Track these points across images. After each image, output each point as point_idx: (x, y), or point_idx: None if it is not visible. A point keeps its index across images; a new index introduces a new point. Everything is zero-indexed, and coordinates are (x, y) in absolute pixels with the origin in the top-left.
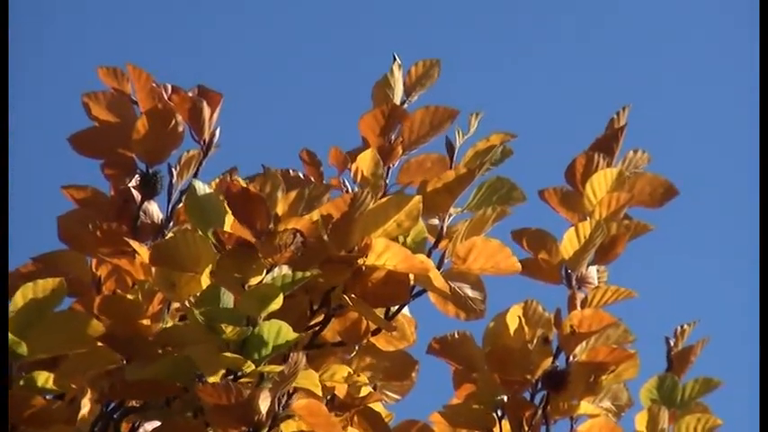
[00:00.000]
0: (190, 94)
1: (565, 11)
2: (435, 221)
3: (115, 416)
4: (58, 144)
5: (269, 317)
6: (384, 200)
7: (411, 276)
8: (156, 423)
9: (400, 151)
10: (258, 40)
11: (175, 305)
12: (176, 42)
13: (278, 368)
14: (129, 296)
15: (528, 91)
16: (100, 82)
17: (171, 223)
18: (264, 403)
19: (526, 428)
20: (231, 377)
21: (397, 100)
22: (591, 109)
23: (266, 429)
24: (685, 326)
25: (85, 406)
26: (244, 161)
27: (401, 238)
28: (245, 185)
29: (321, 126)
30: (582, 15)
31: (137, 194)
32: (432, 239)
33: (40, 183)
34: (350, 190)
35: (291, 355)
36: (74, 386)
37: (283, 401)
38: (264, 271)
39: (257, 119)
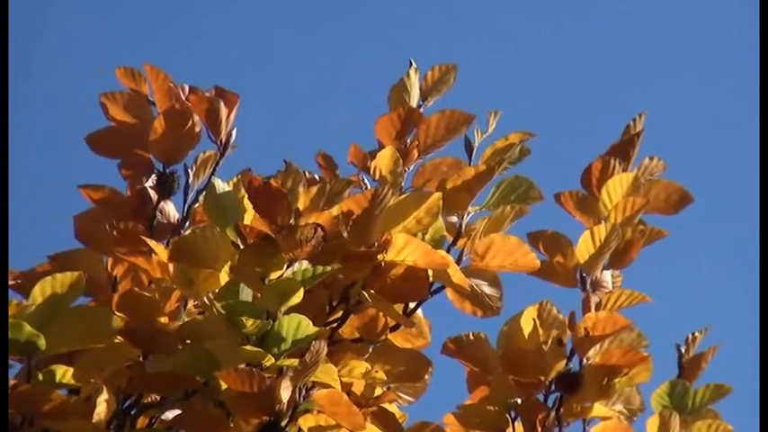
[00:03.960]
0: (207, 95)
1: (584, 12)
2: (454, 219)
3: (132, 413)
4: (75, 144)
5: (289, 311)
6: (404, 196)
7: (430, 273)
8: (177, 411)
9: (416, 155)
10: (277, 40)
11: (192, 303)
12: (194, 43)
13: (297, 361)
14: (147, 294)
15: (545, 93)
16: (117, 82)
17: (187, 223)
18: (285, 392)
19: (539, 430)
20: None
21: (413, 104)
22: (608, 113)
23: (286, 420)
24: (696, 333)
25: (100, 405)
26: (260, 162)
27: (420, 236)
28: (266, 180)
29: (337, 128)
30: (601, 20)
31: (153, 194)
32: (450, 238)
33: (58, 182)
34: (368, 187)
35: (314, 343)
36: (93, 380)
37: (304, 392)
38: (285, 265)
39: (274, 120)
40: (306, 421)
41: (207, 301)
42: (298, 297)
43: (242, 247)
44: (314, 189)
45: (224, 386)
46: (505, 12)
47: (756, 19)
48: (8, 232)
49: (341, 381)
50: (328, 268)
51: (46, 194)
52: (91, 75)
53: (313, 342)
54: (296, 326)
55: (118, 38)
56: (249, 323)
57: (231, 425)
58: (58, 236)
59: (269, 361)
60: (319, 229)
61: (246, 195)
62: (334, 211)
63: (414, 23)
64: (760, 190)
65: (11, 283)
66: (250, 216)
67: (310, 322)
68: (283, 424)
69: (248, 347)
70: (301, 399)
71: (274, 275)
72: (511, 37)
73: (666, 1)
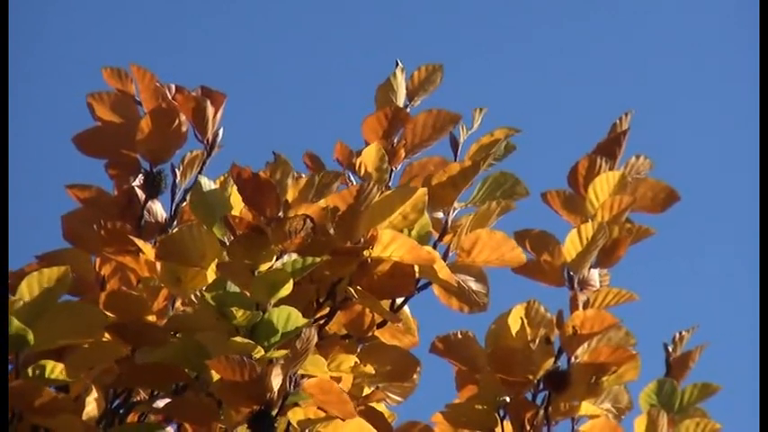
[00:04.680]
0: (194, 94)
1: (572, 13)
2: (440, 215)
3: (121, 411)
4: (62, 144)
5: (277, 305)
6: (390, 192)
7: (416, 269)
8: (167, 400)
9: (403, 154)
10: (264, 40)
11: (180, 302)
12: (181, 43)
13: (287, 352)
14: (135, 293)
15: (531, 93)
16: (104, 82)
17: (174, 222)
18: (276, 381)
19: (528, 429)
20: None
21: (400, 104)
22: (594, 111)
23: (277, 409)
24: (684, 332)
25: (90, 404)
26: (247, 162)
27: (406, 232)
28: (255, 172)
29: (324, 128)
30: (588, 19)
31: (140, 194)
32: (436, 234)
33: (45, 182)
34: (354, 184)
35: (304, 331)
36: (82, 376)
37: (294, 381)
38: (274, 257)
39: (261, 120)
40: (295, 414)
41: (195, 298)
42: (287, 288)
43: (231, 238)
44: (303, 181)
45: (215, 378)
46: (492, 11)
47: (747, 18)
48: (8, 233)
49: (330, 376)
50: (318, 259)
51: (33, 194)
52: (77, 75)
53: (303, 330)
54: (286, 317)
55: (104, 39)
56: (239, 314)
57: (222, 415)
58: (46, 236)
59: (259, 353)
60: (308, 220)
61: (235, 187)
62: (323, 203)
63: (400, 23)
64: (760, 190)
65: None
66: (237, 214)
67: (300, 314)
68: (274, 413)
69: (238, 339)
70: (292, 388)
71: (264, 267)
72: (498, 36)
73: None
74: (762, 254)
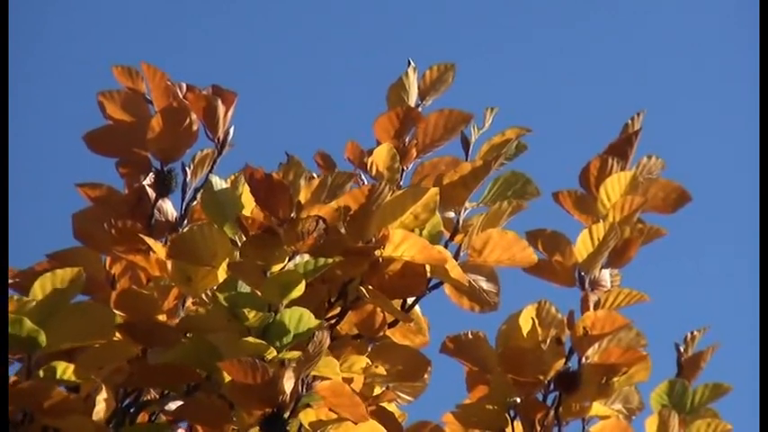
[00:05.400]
0: (204, 93)
1: (582, 11)
2: (451, 215)
3: (131, 410)
4: (72, 142)
5: (289, 305)
6: (401, 192)
7: (427, 269)
8: (179, 402)
9: (414, 154)
10: (275, 39)
11: (190, 301)
12: (191, 42)
13: (299, 354)
14: (145, 292)
15: (543, 92)
16: (115, 80)
17: (185, 221)
18: (289, 383)
19: (538, 429)
20: None
21: (412, 103)
22: (606, 111)
23: (289, 412)
24: (695, 332)
25: (100, 403)
26: (257, 161)
27: (417, 231)
28: (268, 173)
29: (335, 128)
30: (599, 19)
31: (151, 192)
32: (447, 233)
33: (55, 181)
34: (366, 184)
35: (317, 333)
36: (93, 377)
37: (306, 384)
38: (287, 258)
39: (272, 119)
40: (307, 416)
41: (206, 298)
42: (299, 289)
43: (243, 239)
44: (315, 182)
45: (227, 379)
46: (503, 10)
47: (754, 17)
48: (8, 232)
49: (341, 377)
50: (330, 261)
51: (44, 193)
52: (88, 74)
53: (316, 333)
54: (298, 318)
55: (115, 37)
56: (251, 315)
57: (234, 417)
58: (57, 234)
59: (271, 354)
60: (321, 221)
61: (248, 188)
62: (335, 204)
63: (412, 22)
64: (760, 189)
65: (9, 281)
66: (248, 213)
67: (312, 315)
68: (286, 416)
69: (250, 339)
70: (304, 390)
71: (276, 268)
72: (509, 35)
73: (665, 0)
74: (762, 254)
